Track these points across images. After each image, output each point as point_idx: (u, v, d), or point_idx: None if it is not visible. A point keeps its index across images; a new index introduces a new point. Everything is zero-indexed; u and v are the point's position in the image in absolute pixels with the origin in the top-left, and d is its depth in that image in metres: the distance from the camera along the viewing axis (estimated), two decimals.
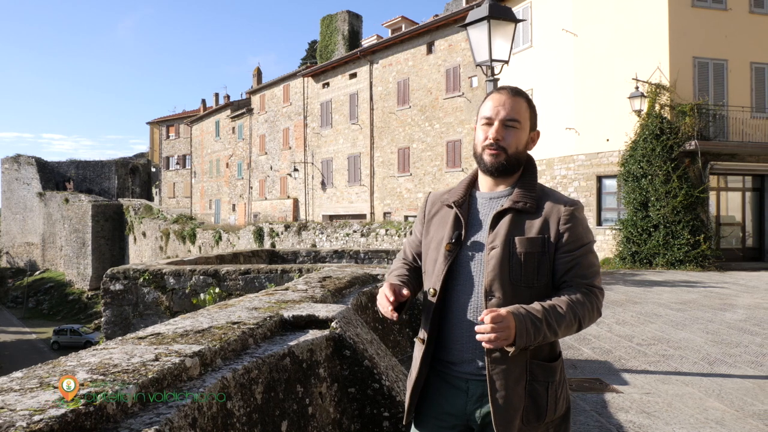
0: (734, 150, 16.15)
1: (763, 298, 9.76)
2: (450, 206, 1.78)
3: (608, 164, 17.16)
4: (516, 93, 1.75)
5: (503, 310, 1.51)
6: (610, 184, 17.42)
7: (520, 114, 1.73)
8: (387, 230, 21.15)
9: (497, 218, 1.68)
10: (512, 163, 1.73)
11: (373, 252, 10.40)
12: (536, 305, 1.57)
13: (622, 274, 13.84)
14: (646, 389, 4.62)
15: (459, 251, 1.70)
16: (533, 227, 1.65)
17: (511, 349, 1.52)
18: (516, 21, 5.53)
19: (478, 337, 1.51)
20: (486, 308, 1.61)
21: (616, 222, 16.88)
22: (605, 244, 17.21)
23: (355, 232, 22.57)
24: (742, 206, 17.36)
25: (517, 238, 1.64)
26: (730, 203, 17.39)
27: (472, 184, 1.83)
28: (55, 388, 1.45)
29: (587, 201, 17.66)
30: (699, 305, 8.97)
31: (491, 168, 1.73)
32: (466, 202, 1.77)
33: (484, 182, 1.80)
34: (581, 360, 5.62)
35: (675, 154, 15.45)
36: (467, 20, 5.53)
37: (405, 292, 1.67)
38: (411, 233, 1.98)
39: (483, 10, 5.34)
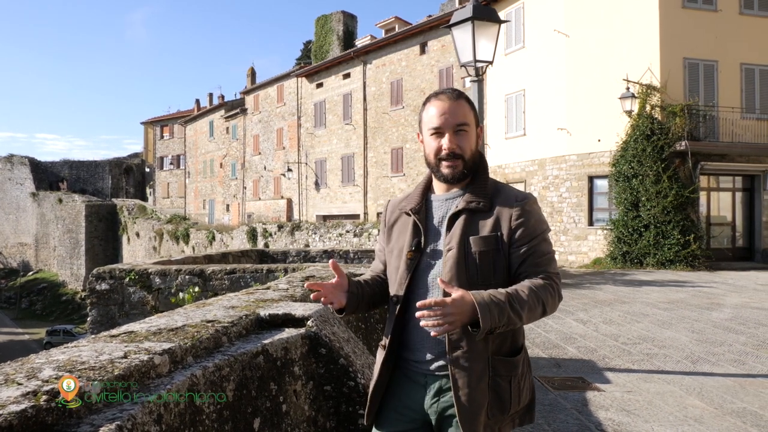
0: (724, 150, 16.25)
1: (750, 298, 9.83)
2: (408, 214, 1.80)
3: (600, 164, 17.24)
4: (457, 96, 1.76)
5: (456, 294, 1.51)
6: (602, 185, 17.49)
7: (466, 117, 1.74)
8: (380, 230, 21.17)
9: (452, 220, 1.71)
10: (469, 167, 1.75)
11: (363, 252, 10.43)
12: (499, 289, 1.59)
13: (613, 274, 13.92)
14: (628, 387, 4.66)
15: (420, 257, 1.73)
16: (486, 226, 1.68)
17: (476, 332, 1.53)
18: (500, 22, 5.56)
19: (422, 323, 1.52)
20: None
21: (608, 222, 16.96)
22: (596, 244, 17.28)
23: (348, 232, 22.59)
24: (732, 206, 17.45)
25: (471, 238, 1.66)
26: (720, 203, 17.49)
27: (428, 188, 1.86)
28: (19, 384, 1.47)
29: (579, 201, 17.73)
30: (686, 305, 9.03)
31: (451, 179, 1.75)
32: (423, 207, 1.80)
33: (439, 185, 1.82)
34: (565, 359, 5.66)
35: (666, 154, 15.53)
36: (451, 21, 5.57)
37: (333, 280, 1.76)
38: (378, 243, 2.02)
39: (467, 11, 5.37)
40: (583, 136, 17.48)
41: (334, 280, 1.74)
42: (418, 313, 1.52)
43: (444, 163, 1.74)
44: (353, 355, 2.76)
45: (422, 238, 1.74)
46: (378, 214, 28.11)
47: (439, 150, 1.74)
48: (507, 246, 1.68)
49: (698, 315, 8.08)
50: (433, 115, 1.75)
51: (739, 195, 17.50)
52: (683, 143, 15.47)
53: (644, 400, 4.34)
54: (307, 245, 23.99)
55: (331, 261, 1.75)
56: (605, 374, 5.09)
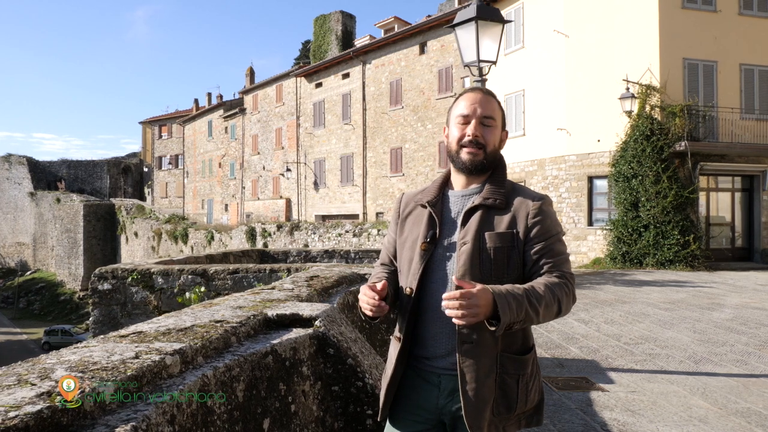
0: (724, 151, 16.27)
1: (750, 298, 9.84)
2: (424, 206, 1.80)
3: (599, 165, 17.24)
4: (488, 93, 1.80)
5: (478, 287, 1.51)
6: (601, 185, 17.50)
7: (494, 112, 1.77)
8: (379, 230, 21.17)
9: (468, 215, 1.71)
10: (489, 160, 1.76)
11: (364, 252, 10.42)
12: (516, 285, 1.60)
13: (612, 274, 13.92)
14: (632, 388, 4.66)
15: (434, 250, 1.72)
16: (502, 222, 1.69)
17: (493, 328, 1.52)
18: (503, 22, 5.56)
19: (448, 312, 1.51)
20: None
21: (607, 222, 16.97)
22: (596, 244, 17.29)
23: (347, 232, 22.58)
24: (731, 207, 17.48)
25: (486, 234, 1.67)
26: (719, 204, 17.52)
27: (445, 183, 1.86)
28: (33, 385, 1.46)
29: (578, 201, 17.74)
30: (687, 305, 9.03)
31: (470, 166, 1.75)
32: (440, 201, 1.80)
33: (457, 180, 1.82)
34: (568, 359, 5.65)
35: (665, 154, 15.54)
36: (455, 21, 5.56)
37: (380, 285, 1.68)
38: (386, 237, 1.99)
39: (471, 11, 5.37)
40: (583, 136, 17.49)
41: (379, 286, 1.69)
42: (443, 303, 1.51)
43: (465, 150, 1.75)
44: (361, 355, 2.75)
45: (437, 230, 1.73)
46: (377, 214, 28.09)
47: (462, 137, 1.75)
48: (522, 244, 1.68)
49: (699, 315, 8.08)
50: (463, 104, 1.78)
51: (738, 195, 17.52)
52: (683, 143, 15.48)
53: (648, 400, 4.34)
54: (306, 245, 23.98)
55: (382, 283, 1.70)
56: (608, 374, 5.08)
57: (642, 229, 15.68)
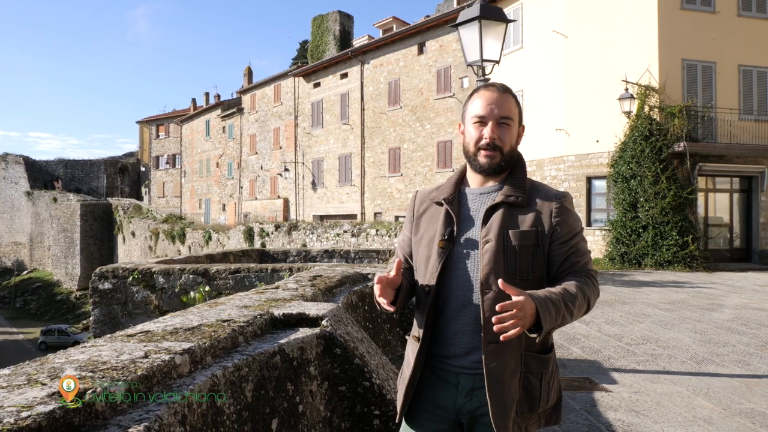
0: (722, 152, 16.30)
1: (750, 299, 9.85)
2: (440, 203, 1.77)
3: (598, 165, 17.25)
4: (505, 90, 1.76)
5: (521, 297, 1.48)
6: (600, 185, 17.51)
7: (511, 111, 1.74)
8: (377, 230, 21.14)
9: (489, 212, 1.69)
10: (507, 161, 1.74)
11: (364, 252, 10.40)
12: (551, 288, 1.59)
13: (611, 275, 13.92)
14: (635, 388, 4.65)
15: (452, 247, 1.70)
16: (526, 220, 1.67)
17: (535, 335, 1.53)
18: (507, 21, 5.55)
19: (499, 325, 1.47)
20: (483, 301, 1.61)
21: (606, 223, 16.97)
22: (595, 244, 17.29)
23: (345, 232, 22.54)
24: (729, 207, 17.52)
25: (511, 231, 1.65)
26: (717, 204, 17.55)
27: (461, 180, 1.83)
28: (44, 384, 1.44)
29: (577, 202, 17.73)
30: (687, 305, 9.04)
31: (487, 169, 1.73)
32: (456, 198, 1.77)
33: (474, 179, 1.80)
34: (571, 359, 5.64)
35: (664, 155, 15.55)
36: (458, 20, 5.55)
37: (392, 275, 1.65)
38: (401, 235, 1.97)
39: (474, 11, 5.36)
40: (582, 136, 17.50)
41: (392, 275, 1.67)
42: (495, 317, 1.47)
43: (482, 152, 1.72)
44: (368, 355, 2.74)
45: (455, 228, 1.71)
46: (375, 215, 28.07)
47: (479, 139, 1.73)
48: (547, 242, 1.67)
49: (700, 315, 8.08)
50: (479, 104, 1.74)
51: (736, 196, 17.55)
52: (681, 144, 15.50)
53: (652, 400, 4.33)
54: (304, 245, 23.94)
55: (397, 260, 1.69)
56: (611, 375, 5.07)
57: (641, 230, 15.69)
